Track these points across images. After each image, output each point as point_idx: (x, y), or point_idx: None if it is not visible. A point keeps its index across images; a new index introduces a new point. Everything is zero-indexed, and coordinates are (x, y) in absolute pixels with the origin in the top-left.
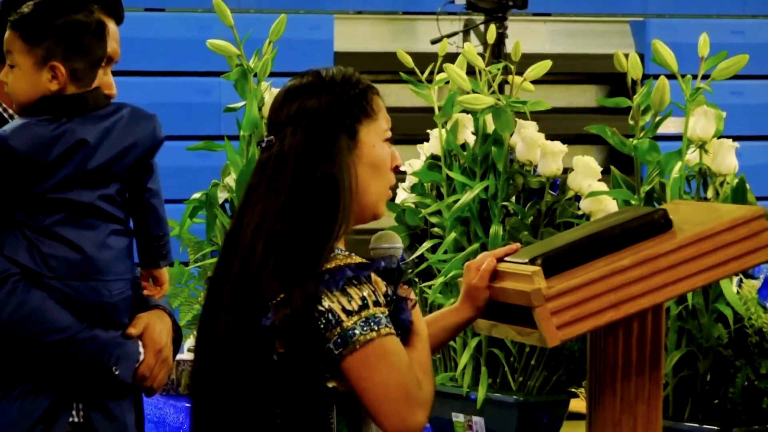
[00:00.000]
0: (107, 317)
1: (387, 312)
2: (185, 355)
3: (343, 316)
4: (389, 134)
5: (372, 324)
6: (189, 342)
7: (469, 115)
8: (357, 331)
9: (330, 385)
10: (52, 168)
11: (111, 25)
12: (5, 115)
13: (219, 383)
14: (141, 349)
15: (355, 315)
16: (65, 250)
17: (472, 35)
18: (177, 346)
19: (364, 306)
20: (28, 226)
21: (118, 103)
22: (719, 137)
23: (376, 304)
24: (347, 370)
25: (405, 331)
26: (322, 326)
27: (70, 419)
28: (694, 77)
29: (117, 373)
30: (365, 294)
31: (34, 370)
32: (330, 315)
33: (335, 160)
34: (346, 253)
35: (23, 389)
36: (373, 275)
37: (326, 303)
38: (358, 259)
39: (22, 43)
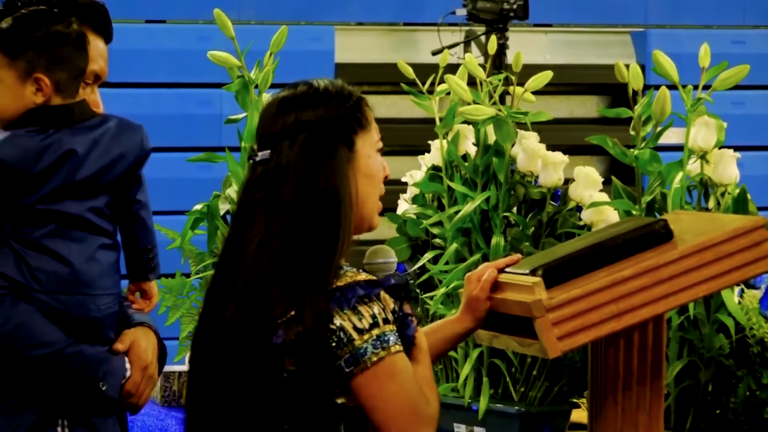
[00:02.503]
0: (94, 332)
1: (395, 329)
2: (186, 366)
3: (354, 335)
4: (381, 144)
5: (382, 342)
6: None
7: (470, 126)
8: (368, 350)
9: (339, 401)
10: (40, 179)
11: (99, 44)
12: None
13: (223, 398)
14: (127, 366)
15: (366, 333)
16: (53, 263)
17: (473, 46)
18: (162, 363)
19: (374, 324)
20: (16, 239)
21: (105, 115)
22: (720, 147)
23: (386, 321)
24: (358, 388)
25: (408, 347)
26: (333, 344)
27: None
28: (695, 87)
29: (104, 389)
30: (375, 312)
31: (20, 385)
32: (342, 333)
33: (336, 172)
34: (354, 270)
35: (9, 404)
36: (382, 292)
37: (338, 321)
38: (366, 276)
39: (4, 57)
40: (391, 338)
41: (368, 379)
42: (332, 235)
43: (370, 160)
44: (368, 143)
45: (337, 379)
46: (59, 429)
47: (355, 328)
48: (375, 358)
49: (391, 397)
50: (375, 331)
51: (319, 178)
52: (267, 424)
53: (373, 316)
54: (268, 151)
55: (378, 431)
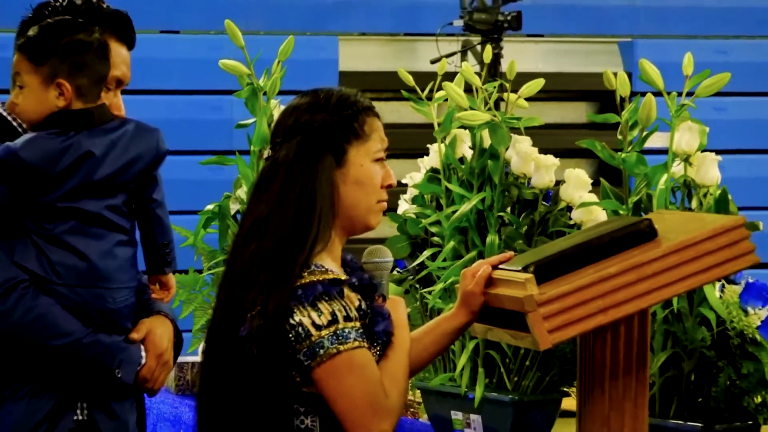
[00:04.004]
0: (111, 323)
1: (359, 326)
2: (199, 357)
3: (312, 330)
4: (382, 154)
5: (339, 338)
6: (203, 345)
7: (467, 131)
8: (325, 344)
9: (307, 390)
10: (60, 178)
11: (122, 51)
12: (19, 130)
13: (214, 385)
14: (143, 353)
15: (324, 329)
16: (72, 258)
17: (470, 55)
18: (178, 350)
19: (333, 321)
20: (38, 234)
21: (124, 118)
22: (703, 151)
23: (347, 318)
24: (317, 381)
25: (383, 343)
26: (292, 338)
27: (75, 417)
28: (679, 94)
29: (119, 375)
30: (335, 309)
31: (40, 371)
32: (300, 328)
33: (317, 177)
34: (324, 268)
35: (30, 389)
36: (346, 290)
37: (297, 317)
38: (333, 275)
39: (29, 63)
40: (352, 334)
41: (326, 372)
42: (302, 234)
43: (362, 169)
44: (362, 152)
45: (299, 371)
46: (78, 412)
47: (313, 323)
48: (331, 353)
49: (347, 390)
50: (333, 327)
51: (299, 180)
52: (245, 409)
53: (333, 313)
54: (270, 150)
55: (338, 420)
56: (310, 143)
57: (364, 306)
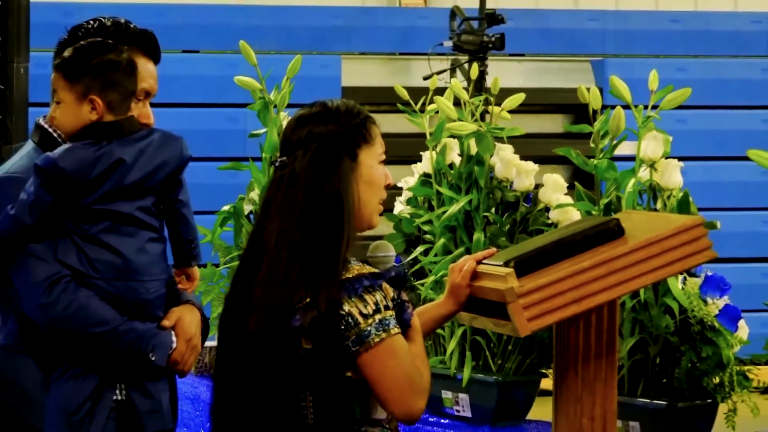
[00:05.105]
0: (144, 312)
1: (394, 314)
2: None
3: (360, 319)
4: (383, 157)
5: (383, 326)
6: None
7: (456, 140)
8: (372, 332)
9: (347, 374)
10: (95, 184)
11: (149, 65)
12: (59, 140)
13: (249, 372)
14: (174, 338)
15: (369, 318)
16: (109, 254)
17: (458, 72)
18: (204, 336)
19: (377, 310)
20: (77, 234)
21: (151, 128)
22: (666, 158)
23: (387, 308)
24: (362, 365)
25: (405, 328)
26: (342, 327)
27: (114, 397)
28: (645, 107)
29: (153, 359)
30: (378, 299)
31: (84, 356)
32: (349, 318)
33: (341, 179)
34: (360, 264)
35: (74, 372)
36: (384, 283)
37: (346, 307)
38: (370, 269)
39: (65, 81)
40: (391, 322)
41: (371, 356)
42: (337, 232)
43: (372, 170)
44: (371, 155)
45: (345, 357)
46: (117, 391)
47: (360, 313)
48: (377, 339)
49: (390, 372)
50: (377, 316)
51: (325, 183)
52: (288, 393)
53: (376, 304)
54: (285, 158)
55: (380, 400)
56: (328, 150)
57: (396, 296)
